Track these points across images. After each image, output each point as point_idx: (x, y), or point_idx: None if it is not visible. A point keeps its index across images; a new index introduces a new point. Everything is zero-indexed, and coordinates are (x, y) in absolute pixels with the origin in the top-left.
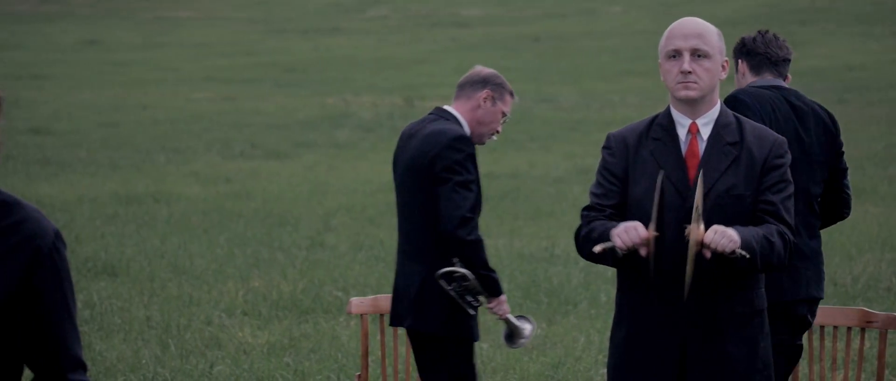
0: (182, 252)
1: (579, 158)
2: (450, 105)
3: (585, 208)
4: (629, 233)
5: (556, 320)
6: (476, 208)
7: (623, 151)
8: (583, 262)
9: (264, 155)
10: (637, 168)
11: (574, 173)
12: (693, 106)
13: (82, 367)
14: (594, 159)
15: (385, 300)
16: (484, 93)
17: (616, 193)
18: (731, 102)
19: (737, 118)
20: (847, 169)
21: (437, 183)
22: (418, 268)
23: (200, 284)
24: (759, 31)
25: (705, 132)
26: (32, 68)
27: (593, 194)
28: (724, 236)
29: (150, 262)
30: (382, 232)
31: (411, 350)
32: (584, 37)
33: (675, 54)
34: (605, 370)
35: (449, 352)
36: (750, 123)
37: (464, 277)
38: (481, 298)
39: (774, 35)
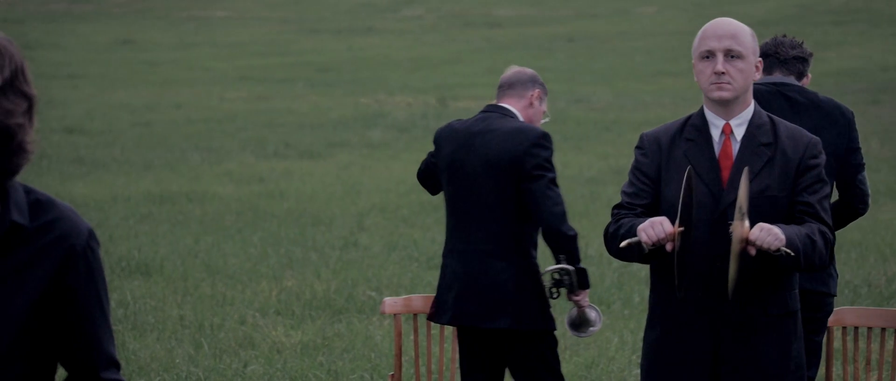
0: (215, 252)
1: (613, 159)
2: (495, 104)
3: (616, 207)
4: (655, 227)
5: None
6: None
7: (656, 151)
8: (616, 262)
9: (298, 155)
10: (670, 168)
11: (607, 174)
12: (727, 107)
13: (116, 366)
14: (628, 160)
15: (418, 300)
16: (535, 91)
17: (648, 192)
18: None
19: (771, 119)
20: (862, 165)
21: (528, 180)
22: (505, 266)
23: (234, 283)
24: (774, 36)
25: (739, 133)
26: (66, 68)
27: (625, 193)
28: (770, 234)
29: (183, 261)
30: (416, 232)
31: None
32: (617, 37)
33: (709, 55)
34: (639, 371)
35: (545, 347)
36: (784, 124)
37: (570, 273)
38: (563, 290)
39: (786, 36)
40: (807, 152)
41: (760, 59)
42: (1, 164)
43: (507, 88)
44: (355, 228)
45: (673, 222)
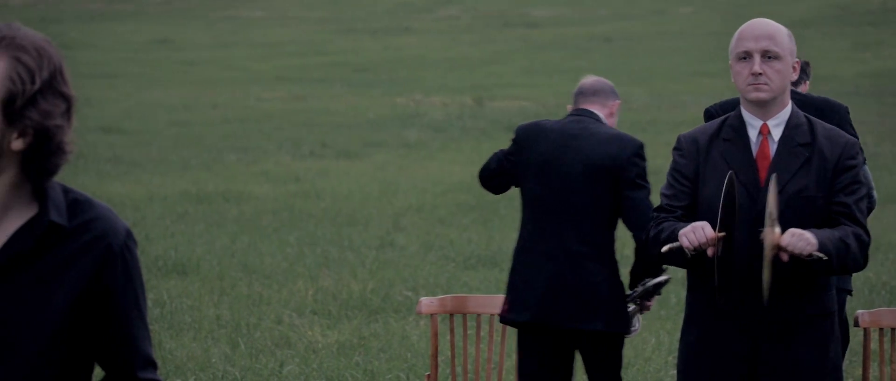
0: (252, 251)
1: (650, 159)
2: (585, 108)
3: (655, 209)
4: (696, 233)
5: None
6: None
7: (694, 152)
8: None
9: (334, 155)
10: (708, 169)
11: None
12: (764, 107)
13: (153, 365)
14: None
15: (455, 300)
16: (617, 102)
17: (687, 194)
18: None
19: (808, 119)
20: (863, 160)
21: (630, 188)
22: (598, 268)
23: (270, 283)
24: None
25: (776, 134)
26: (104, 67)
27: (664, 194)
28: (802, 239)
29: (220, 261)
30: (452, 232)
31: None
32: (654, 37)
33: (746, 56)
34: (675, 372)
35: (620, 349)
36: (821, 125)
37: (660, 283)
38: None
39: None
40: (844, 153)
41: (798, 60)
42: (39, 164)
43: (591, 94)
44: (392, 228)
45: (714, 227)
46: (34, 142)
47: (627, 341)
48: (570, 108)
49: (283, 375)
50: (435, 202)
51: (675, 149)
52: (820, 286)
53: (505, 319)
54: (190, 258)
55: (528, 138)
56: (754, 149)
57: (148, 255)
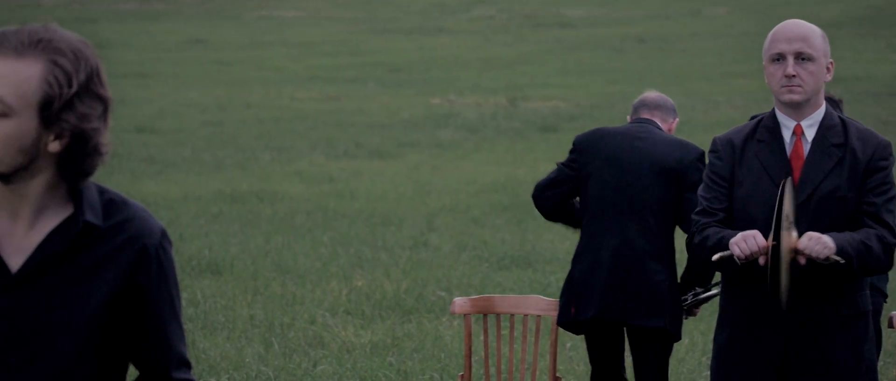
0: (286, 251)
1: None
2: (647, 118)
3: (696, 213)
4: (748, 242)
5: None
6: None
7: (729, 153)
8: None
9: (368, 155)
10: (742, 170)
11: None
12: (798, 108)
13: (187, 365)
14: None
15: (488, 301)
16: (676, 120)
17: (725, 196)
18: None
19: (841, 120)
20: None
21: (690, 190)
22: (661, 268)
23: (304, 283)
24: None
25: (810, 134)
26: (138, 67)
27: (703, 197)
28: (819, 243)
29: (254, 260)
30: (486, 232)
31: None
32: (688, 38)
33: (779, 58)
34: (708, 372)
35: (670, 350)
36: (855, 125)
37: (713, 298)
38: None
39: None
40: (876, 153)
41: (831, 61)
42: (76, 166)
43: (653, 107)
44: (425, 228)
45: (765, 235)
46: (71, 144)
47: None
48: (629, 118)
49: (316, 374)
50: (468, 202)
51: (711, 151)
52: (854, 286)
53: (564, 322)
54: (224, 258)
55: (590, 143)
56: (788, 149)
57: (182, 255)
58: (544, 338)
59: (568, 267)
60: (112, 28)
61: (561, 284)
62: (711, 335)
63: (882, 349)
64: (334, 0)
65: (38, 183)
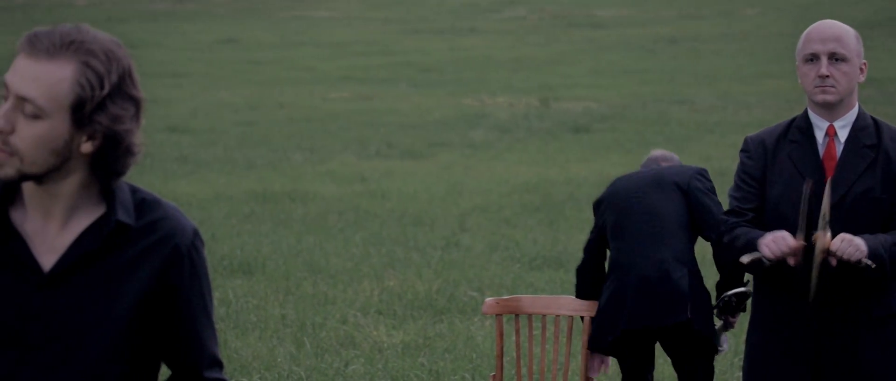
0: (318, 251)
1: (716, 161)
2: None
3: (726, 213)
4: (778, 243)
5: None
6: None
7: (761, 154)
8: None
9: (400, 155)
10: (775, 170)
11: (711, 176)
12: (831, 109)
13: (219, 365)
14: (731, 161)
15: (520, 301)
16: None
17: (755, 196)
18: None
19: (875, 121)
20: None
21: (699, 194)
22: (681, 268)
23: (335, 282)
24: None
25: (843, 135)
26: (170, 66)
27: (733, 197)
28: (851, 245)
29: (285, 260)
30: (518, 233)
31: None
32: (720, 39)
33: (813, 58)
34: (740, 373)
35: (709, 356)
36: (888, 126)
37: (741, 295)
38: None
39: None
40: None
41: (865, 61)
42: (108, 166)
43: (661, 160)
44: (457, 228)
45: (784, 229)
46: (103, 145)
47: None
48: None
49: (347, 374)
50: (500, 203)
51: (743, 150)
52: (887, 288)
53: (596, 345)
54: (256, 258)
55: (605, 193)
56: (821, 150)
57: (214, 254)
58: (576, 339)
59: None
60: (144, 28)
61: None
62: (744, 337)
63: None
64: (366, 0)
65: (70, 183)
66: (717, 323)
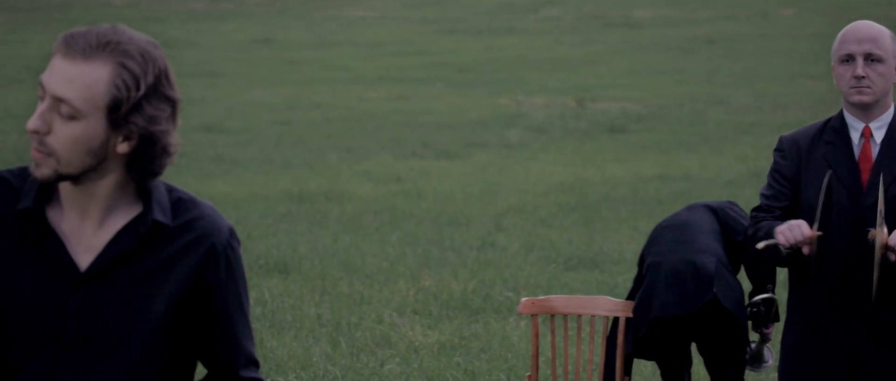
0: (353, 251)
1: (752, 161)
2: None
3: (755, 209)
4: (793, 231)
5: None
6: None
7: (795, 154)
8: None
9: (436, 155)
10: (809, 171)
11: (746, 176)
12: (866, 110)
13: (255, 364)
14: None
15: (556, 301)
16: None
17: (786, 195)
18: None
19: None
20: None
21: (727, 207)
22: (708, 253)
23: (371, 282)
24: None
25: (878, 136)
26: (206, 66)
27: (763, 195)
28: None
29: (321, 260)
30: (554, 233)
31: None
32: (757, 39)
33: (849, 59)
34: (776, 374)
35: (741, 344)
36: None
37: (769, 302)
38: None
39: None
40: None
41: None
42: (144, 166)
43: None
44: (493, 228)
45: (811, 226)
46: (139, 145)
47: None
48: None
49: (383, 374)
50: (536, 203)
51: (776, 150)
52: None
53: (634, 351)
54: (292, 257)
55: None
56: (856, 151)
57: (250, 254)
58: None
59: (635, 268)
60: (181, 27)
61: (628, 285)
62: (779, 337)
63: None
64: (402, 0)
65: (107, 183)
66: (754, 338)
